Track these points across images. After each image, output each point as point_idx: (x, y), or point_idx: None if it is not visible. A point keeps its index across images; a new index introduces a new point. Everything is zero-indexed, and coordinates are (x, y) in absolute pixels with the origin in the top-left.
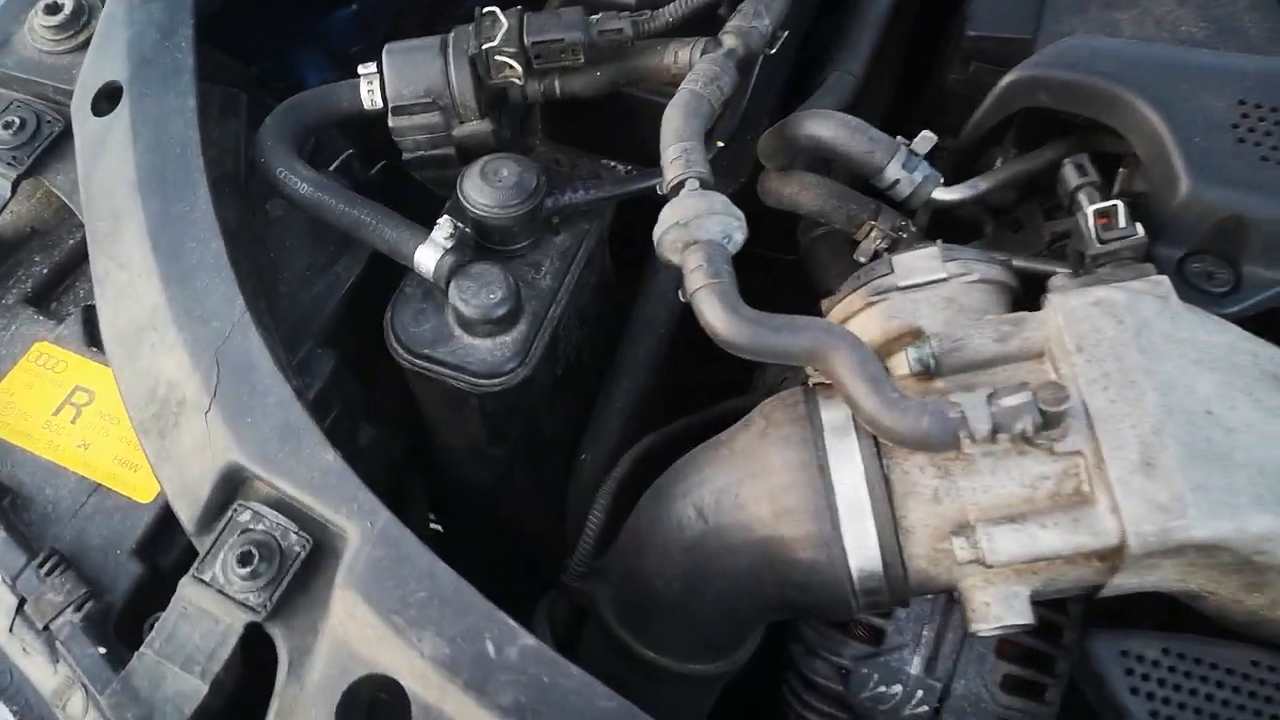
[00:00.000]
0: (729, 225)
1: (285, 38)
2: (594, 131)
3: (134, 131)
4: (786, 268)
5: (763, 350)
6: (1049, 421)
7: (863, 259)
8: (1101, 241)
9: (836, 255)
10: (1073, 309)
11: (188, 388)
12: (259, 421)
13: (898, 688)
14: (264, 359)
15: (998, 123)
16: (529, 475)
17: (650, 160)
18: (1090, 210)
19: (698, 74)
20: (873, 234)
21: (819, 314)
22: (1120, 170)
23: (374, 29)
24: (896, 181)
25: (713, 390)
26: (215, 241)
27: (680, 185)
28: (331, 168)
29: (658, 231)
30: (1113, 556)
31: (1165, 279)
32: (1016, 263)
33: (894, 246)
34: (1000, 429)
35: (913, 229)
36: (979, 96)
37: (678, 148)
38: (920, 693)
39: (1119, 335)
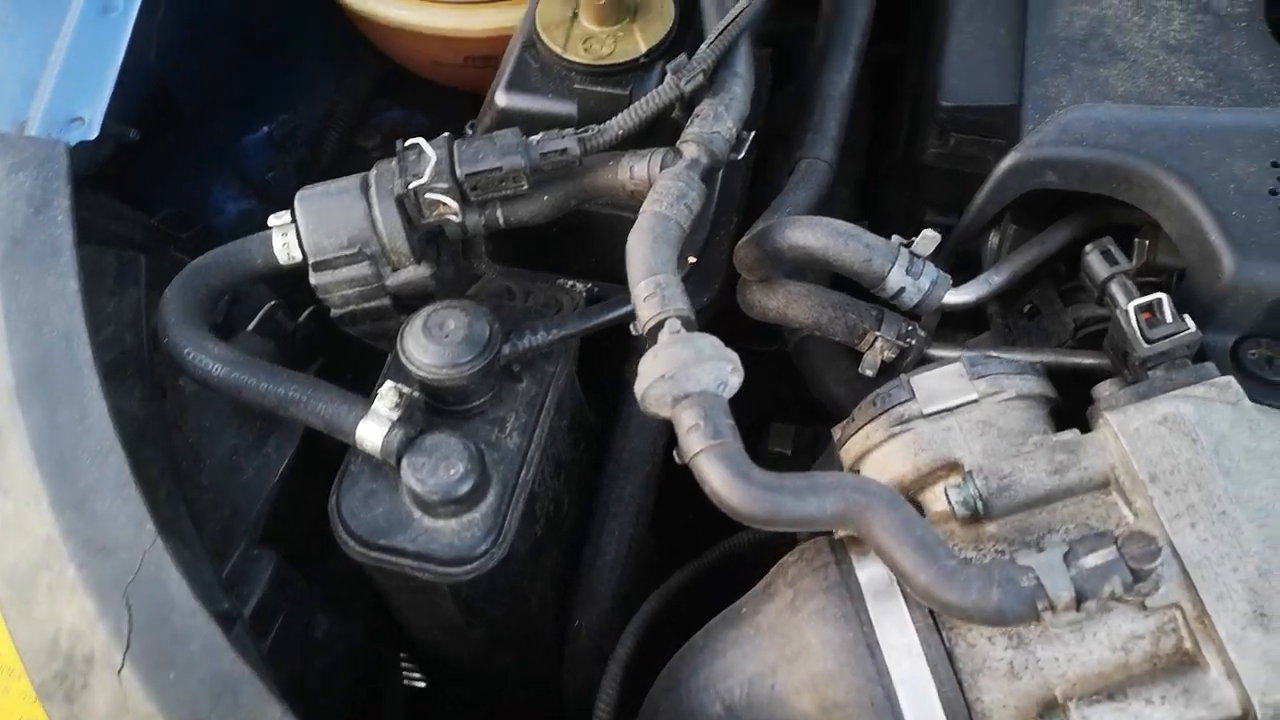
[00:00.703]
0: (722, 371)
1: (195, 169)
2: (547, 249)
3: (8, 328)
4: (771, 360)
5: (783, 520)
6: (1139, 577)
7: (869, 372)
8: (1149, 341)
9: (833, 356)
10: (1136, 430)
11: (95, 639)
12: (184, 676)
13: None
14: (184, 594)
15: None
16: (515, 651)
17: (613, 275)
18: (1131, 307)
19: (661, 193)
20: (878, 344)
21: (822, 420)
22: (1137, 241)
23: (290, 150)
24: (902, 290)
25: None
26: (114, 453)
27: (659, 327)
28: (252, 324)
29: (640, 386)
30: None
31: (1232, 381)
32: (1046, 358)
33: (902, 356)
34: (1085, 595)
35: (921, 334)
36: (963, 170)
37: (649, 283)
38: None
39: (1196, 458)
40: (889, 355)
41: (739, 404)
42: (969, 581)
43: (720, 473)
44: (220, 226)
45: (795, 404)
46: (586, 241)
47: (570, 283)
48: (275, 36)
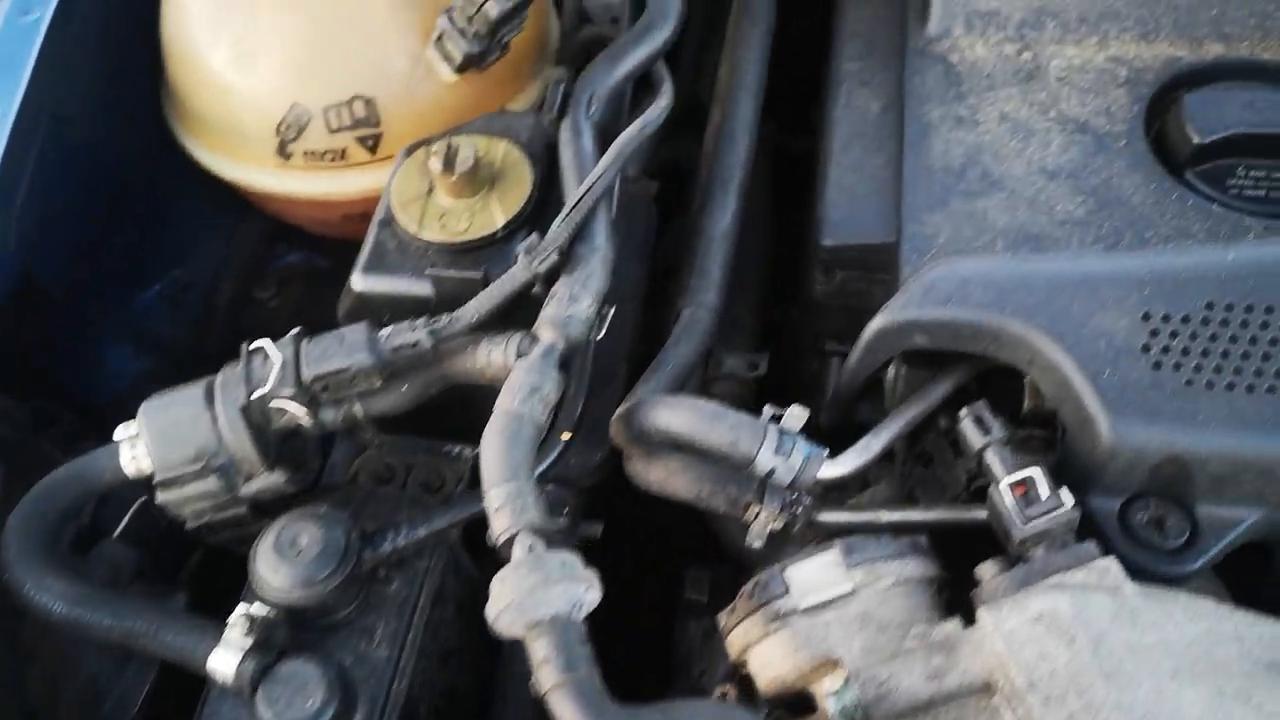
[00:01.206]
0: (575, 593)
1: (84, 337)
2: (432, 413)
3: None
4: None
5: None
6: None
7: (757, 544)
8: (1025, 520)
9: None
10: (1012, 631)
11: None
12: None
13: None
14: None
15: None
16: None
17: None
18: (1005, 485)
19: (512, 389)
20: (762, 517)
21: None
22: (1027, 383)
23: (185, 306)
24: (773, 470)
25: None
26: None
27: (510, 542)
28: (118, 530)
29: (491, 611)
30: None
31: (1112, 564)
32: (937, 516)
33: (791, 524)
34: None
35: (807, 501)
36: (851, 304)
37: (500, 492)
38: None
39: (1074, 660)
40: (776, 527)
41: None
42: None
43: (573, 712)
44: (119, 390)
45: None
46: (469, 403)
47: (458, 449)
48: (155, 200)
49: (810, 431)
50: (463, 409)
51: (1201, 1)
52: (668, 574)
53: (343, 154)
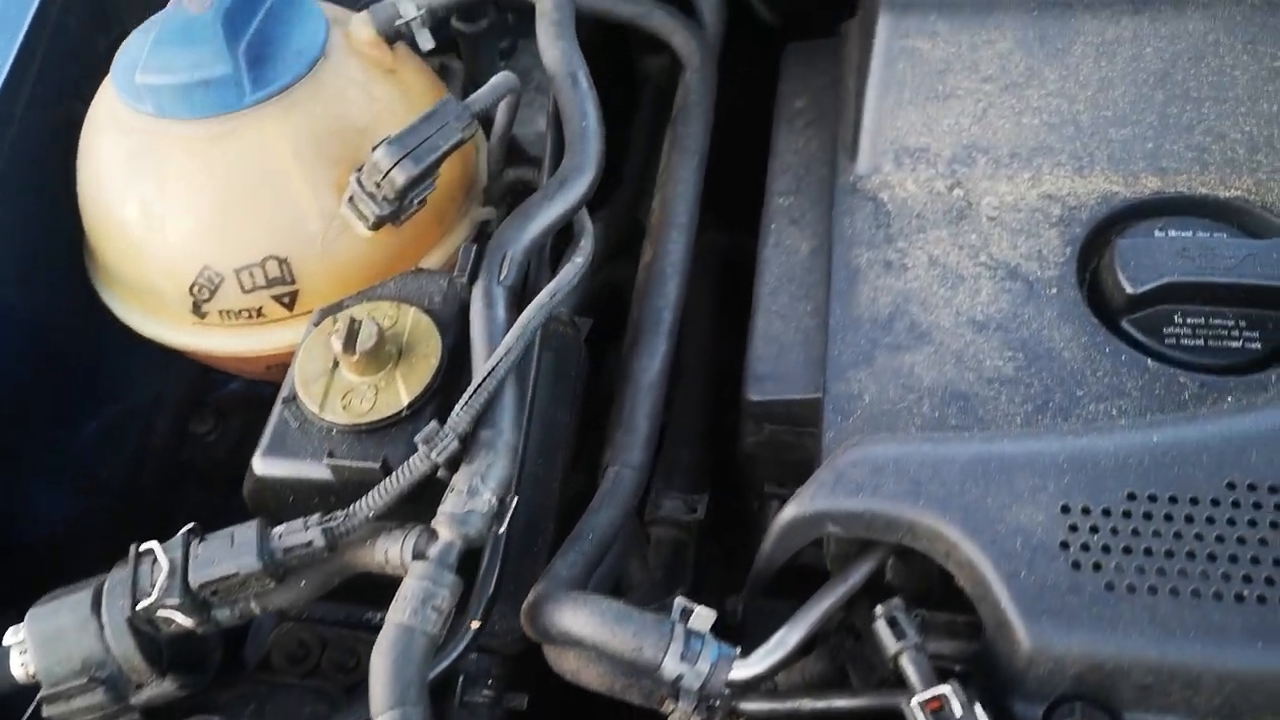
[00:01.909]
0: None
1: (18, 477)
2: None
3: None
4: None
5: None
6: None
7: None
8: None
9: None
10: None
11: None
12: None
13: None
14: None
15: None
16: None
17: None
18: (916, 701)
19: (404, 598)
20: (678, 713)
21: None
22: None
23: (122, 442)
24: (680, 676)
25: None
26: None
27: None
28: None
29: None
30: None
31: None
32: (860, 702)
33: (712, 714)
34: None
35: (725, 692)
36: (782, 456)
37: (389, 717)
38: None
39: None
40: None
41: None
42: None
43: None
44: (55, 532)
45: None
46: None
47: (378, 618)
48: (88, 342)
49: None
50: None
51: (1136, 134)
52: None
53: (259, 312)
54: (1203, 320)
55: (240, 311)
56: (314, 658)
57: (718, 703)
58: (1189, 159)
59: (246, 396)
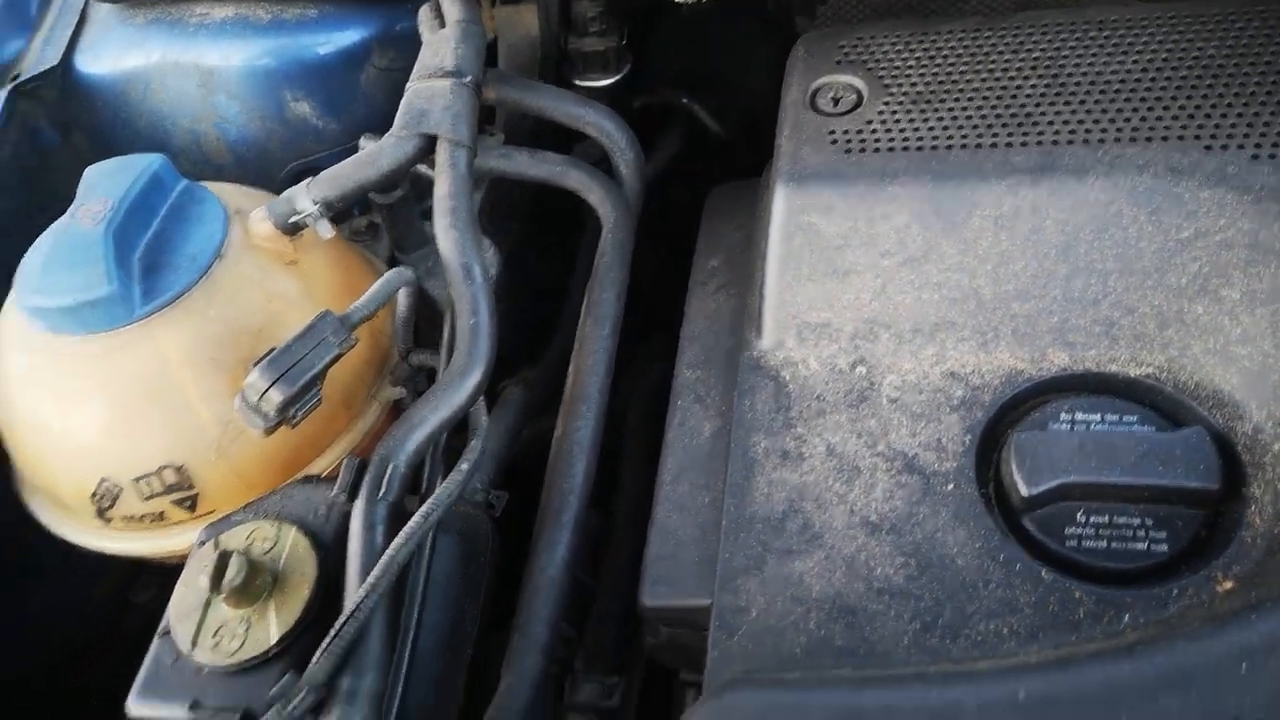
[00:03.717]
0: None
1: None
2: None
3: None
4: None
5: None
6: None
7: None
8: None
9: None
10: None
11: None
12: None
13: None
14: None
15: None
16: None
17: None
18: None
19: None
20: None
21: None
22: None
23: (73, 605)
24: None
25: None
26: None
27: None
28: None
29: None
30: None
31: None
32: None
33: None
34: None
35: None
36: (684, 655)
37: None
38: None
39: None
40: None
41: None
42: None
43: None
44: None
45: None
46: None
47: None
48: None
49: None
50: None
51: (1041, 308)
52: None
53: (161, 515)
54: (1106, 519)
55: (143, 516)
56: None
57: None
58: (1097, 334)
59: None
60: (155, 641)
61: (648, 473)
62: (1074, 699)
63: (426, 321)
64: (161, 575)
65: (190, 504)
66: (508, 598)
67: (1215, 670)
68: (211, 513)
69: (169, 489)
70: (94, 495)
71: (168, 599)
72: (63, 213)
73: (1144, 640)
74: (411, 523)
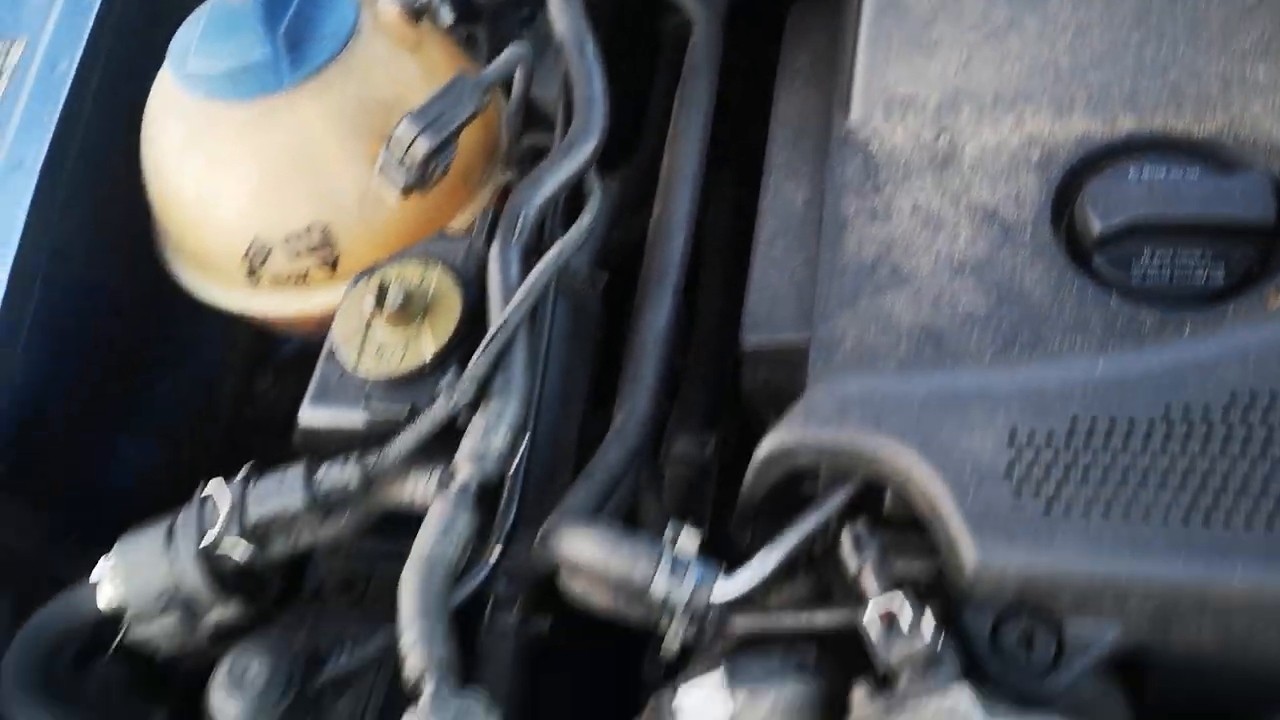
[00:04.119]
0: None
1: (102, 437)
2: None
3: None
4: None
5: None
6: None
7: (672, 647)
8: (888, 649)
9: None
10: None
11: None
12: None
13: None
14: None
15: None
16: None
17: None
18: (870, 614)
19: (427, 529)
20: (673, 629)
21: None
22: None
23: (194, 401)
24: (667, 596)
25: None
26: None
27: (420, 681)
28: (113, 645)
29: None
30: None
31: (964, 692)
32: (832, 621)
33: (701, 635)
34: None
35: (710, 611)
36: (778, 399)
37: (413, 631)
38: None
39: None
40: (689, 635)
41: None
42: None
43: None
44: (134, 485)
45: None
46: None
47: None
48: (156, 309)
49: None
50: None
51: (1114, 76)
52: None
53: (305, 276)
54: (1169, 255)
55: (289, 276)
56: (361, 587)
57: (707, 621)
58: (1165, 98)
59: (302, 357)
60: (320, 364)
61: (728, 268)
62: (1144, 372)
63: None
64: (277, 366)
65: (332, 264)
66: (607, 379)
67: (1269, 345)
68: (349, 274)
69: (314, 248)
70: (246, 255)
71: (284, 386)
72: None
73: (1206, 329)
74: (545, 258)
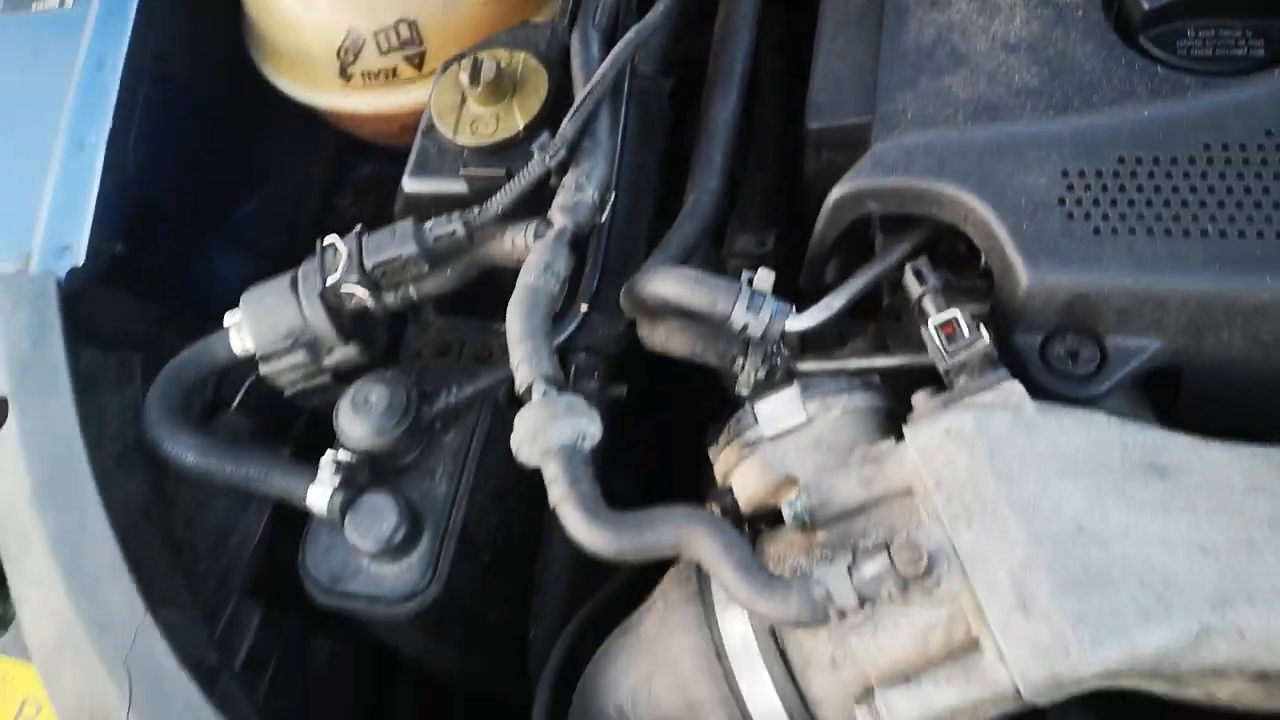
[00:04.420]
0: (579, 426)
1: (198, 249)
2: (481, 297)
3: (24, 446)
4: None
5: (629, 552)
6: (910, 582)
7: (744, 391)
8: (948, 354)
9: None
10: (926, 444)
11: (107, 700)
12: None
13: None
14: (169, 660)
15: (846, 232)
16: (488, 662)
17: None
18: (933, 325)
19: (530, 265)
20: (747, 368)
21: None
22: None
23: (279, 217)
24: (745, 325)
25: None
26: (110, 547)
27: (529, 389)
28: (235, 402)
29: (514, 442)
30: (1015, 698)
31: (1016, 386)
32: (887, 364)
33: (771, 374)
34: (865, 597)
35: (784, 353)
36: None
37: (521, 349)
38: None
39: (973, 464)
40: (760, 376)
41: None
42: (774, 592)
43: (576, 517)
44: (226, 293)
45: None
46: (507, 290)
47: (503, 327)
48: (246, 126)
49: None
50: (501, 296)
51: None
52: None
53: (394, 72)
54: (1212, 32)
55: (378, 72)
56: (455, 353)
57: (778, 361)
58: None
59: (378, 178)
60: (418, 137)
61: (784, 96)
62: (1185, 116)
63: None
64: (356, 187)
65: (418, 61)
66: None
67: None
68: (433, 72)
69: (402, 44)
70: (340, 51)
71: (363, 205)
72: None
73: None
74: (625, 37)
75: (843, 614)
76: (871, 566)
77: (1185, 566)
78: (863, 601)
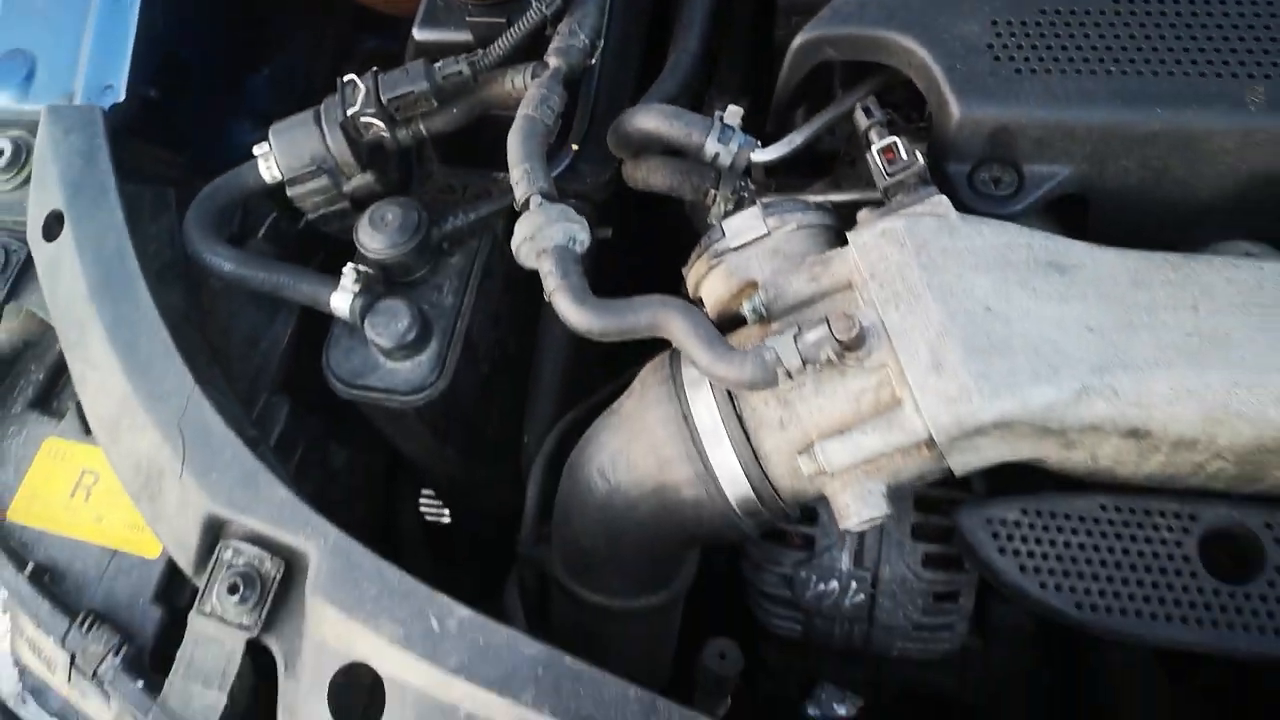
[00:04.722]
0: (570, 230)
1: (213, 113)
2: (480, 149)
3: (79, 251)
4: None
5: (612, 331)
6: (848, 346)
7: (715, 221)
8: (889, 174)
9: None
10: (864, 243)
11: (162, 458)
12: (222, 475)
13: (834, 583)
14: (217, 422)
15: (807, 79)
16: (487, 466)
17: None
18: (875, 149)
19: (529, 99)
20: (718, 199)
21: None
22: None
23: (290, 86)
24: (716, 154)
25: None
26: (161, 332)
27: (527, 201)
28: (261, 232)
29: (515, 243)
30: (931, 446)
31: (943, 199)
32: (839, 198)
33: (739, 206)
34: (809, 360)
35: (752, 188)
36: None
37: (520, 169)
38: (854, 584)
39: (902, 258)
40: (729, 207)
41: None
42: (731, 360)
43: (567, 303)
44: (237, 158)
45: None
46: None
47: (501, 175)
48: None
49: None
50: (501, 144)
51: None
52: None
53: None
54: None
55: None
56: (459, 194)
57: (746, 195)
58: None
59: (383, 51)
60: None
61: None
62: None
63: None
64: (362, 60)
65: None
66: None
67: None
68: None
69: None
70: None
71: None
72: None
73: None
74: None
75: (789, 375)
76: (813, 334)
77: (1074, 341)
78: (805, 363)
